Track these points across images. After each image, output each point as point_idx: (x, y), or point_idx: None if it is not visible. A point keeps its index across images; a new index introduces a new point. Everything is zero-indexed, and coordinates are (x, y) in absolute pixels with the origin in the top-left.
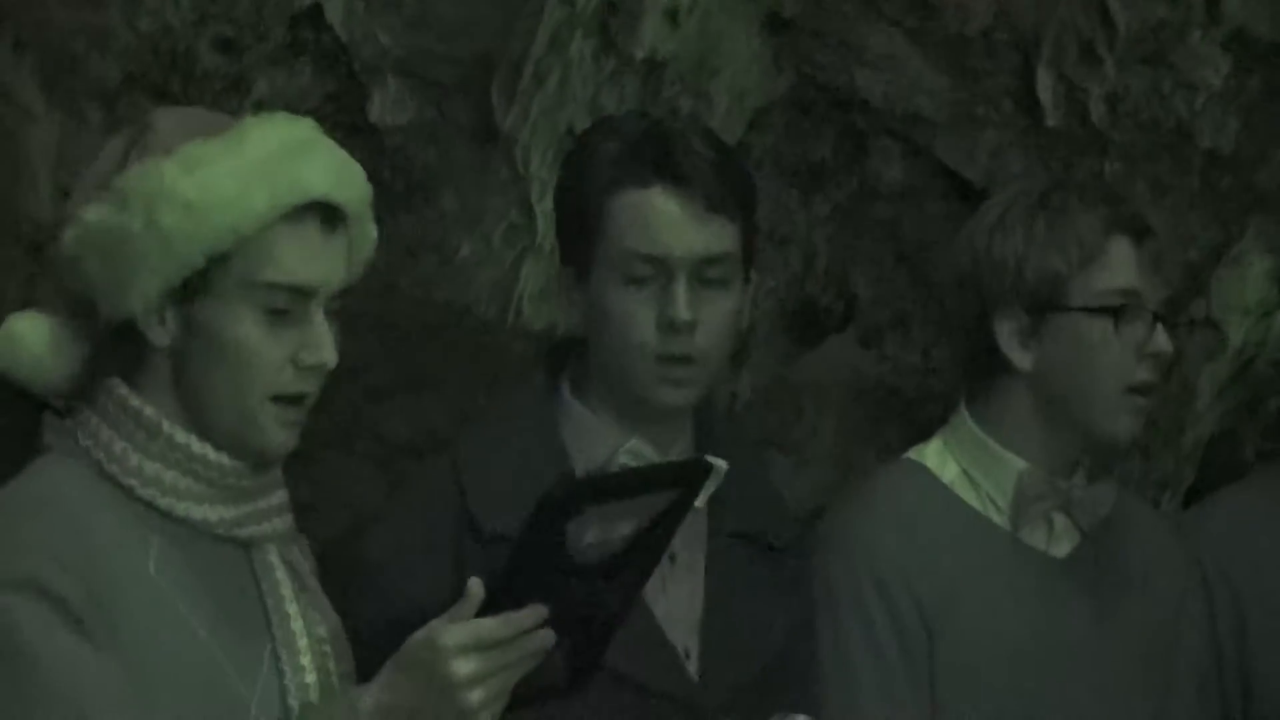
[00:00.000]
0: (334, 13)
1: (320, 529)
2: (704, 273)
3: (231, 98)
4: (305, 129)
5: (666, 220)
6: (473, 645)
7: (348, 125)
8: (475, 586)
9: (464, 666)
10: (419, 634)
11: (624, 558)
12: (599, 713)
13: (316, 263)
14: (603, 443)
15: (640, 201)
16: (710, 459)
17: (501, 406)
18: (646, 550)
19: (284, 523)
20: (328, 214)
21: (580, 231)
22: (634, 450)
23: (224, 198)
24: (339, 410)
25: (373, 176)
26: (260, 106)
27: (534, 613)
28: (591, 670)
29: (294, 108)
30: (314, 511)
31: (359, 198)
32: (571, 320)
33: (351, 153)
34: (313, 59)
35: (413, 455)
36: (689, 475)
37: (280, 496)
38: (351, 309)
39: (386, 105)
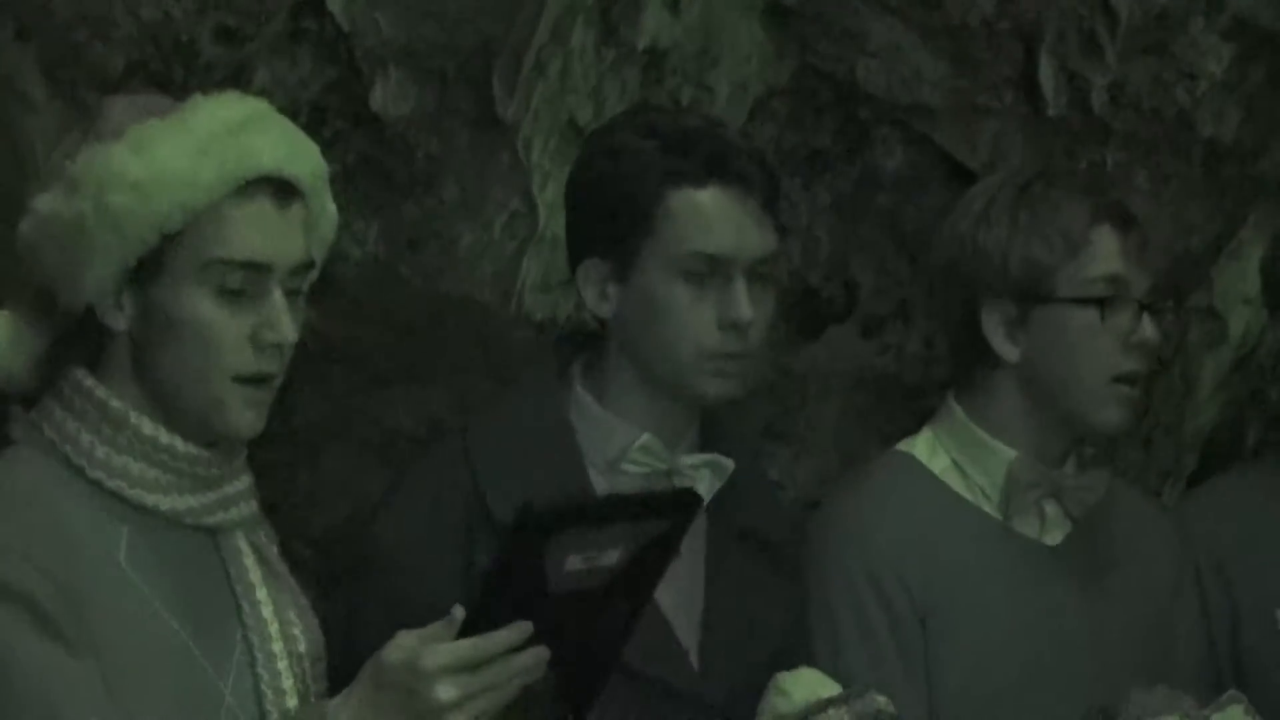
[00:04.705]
0: (335, 2)
1: (321, 517)
2: (758, 271)
3: (233, 87)
4: (254, 105)
5: (727, 220)
6: (455, 667)
7: (349, 115)
8: (458, 611)
9: (447, 691)
10: (395, 654)
11: (612, 590)
12: (600, 704)
13: (270, 239)
14: (616, 438)
15: (698, 201)
16: (720, 458)
17: (513, 397)
18: (637, 584)
19: (249, 508)
20: (281, 189)
21: (624, 228)
22: (646, 446)
23: (171, 175)
24: (340, 399)
25: (374, 166)
26: (262, 95)
27: (518, 630)
28: (584, 703)
29: (295, 97)
30: (315, 500)
31: (312, 172)
32: (601, 312)
33: (353, 142)
34: (314, 48)
35: (414, 444)
36: (678, 507)
37: (245, 482)
38: (353, 298)
39: (388, 95)
